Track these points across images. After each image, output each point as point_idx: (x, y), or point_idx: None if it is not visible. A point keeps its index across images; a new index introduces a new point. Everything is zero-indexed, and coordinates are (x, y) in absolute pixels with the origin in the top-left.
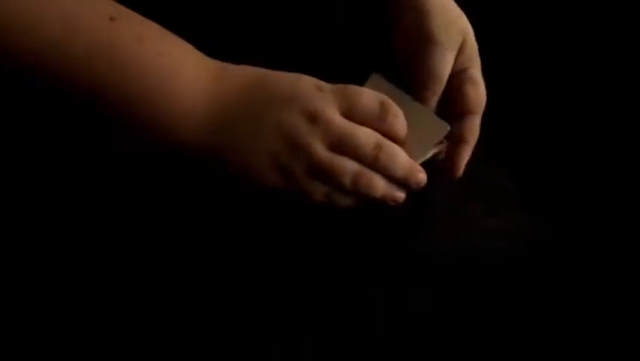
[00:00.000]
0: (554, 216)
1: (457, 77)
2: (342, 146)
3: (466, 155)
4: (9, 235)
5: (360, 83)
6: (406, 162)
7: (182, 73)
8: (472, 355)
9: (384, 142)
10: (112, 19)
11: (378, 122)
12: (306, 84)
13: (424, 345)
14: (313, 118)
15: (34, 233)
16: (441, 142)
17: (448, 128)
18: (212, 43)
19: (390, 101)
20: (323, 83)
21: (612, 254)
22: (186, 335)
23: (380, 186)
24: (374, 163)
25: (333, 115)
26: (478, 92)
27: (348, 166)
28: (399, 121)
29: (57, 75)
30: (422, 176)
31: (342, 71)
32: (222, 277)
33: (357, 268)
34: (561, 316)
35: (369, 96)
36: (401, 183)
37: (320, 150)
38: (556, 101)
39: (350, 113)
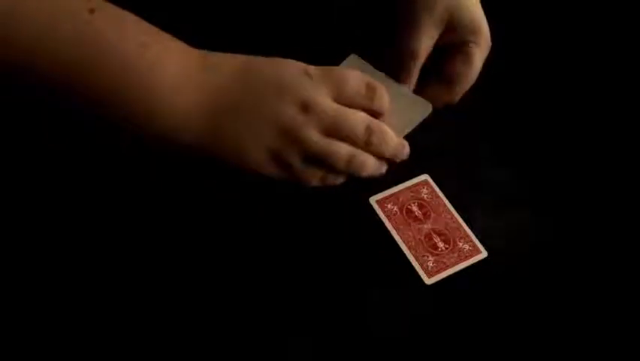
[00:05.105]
0: (557, 215)
1: (453, 49)
2: (336, 131)
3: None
4: (9, 234)
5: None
6: (394, 141)
7: (166, 64)
8: (473, 355)
9: (374, 124)
10: (91, 10)
11: (366, 103)
12: (294, 71)
13: (424, 345)
14: (306, 107)
15: (34, 233)
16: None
17: (431, 107)
18: (211, 36)
19: (374, 81)
20: (310, 68)
21: (614, 254)
22: (187, 335)
23: (370, 164)
24: (367, 145)
25: (325, 101)
26: (465, 69)
27: (343, 150)
28: (384, 100)
29: (44, 68)
30: (407, 150)
31: (342, 57)
32: (223, 277)
33: (356, 268)
34: (562, 316)
35: (355, 78)
36: (388, 159)
37: (316, 138)
38: (559, 100)
39: (339, 96)
